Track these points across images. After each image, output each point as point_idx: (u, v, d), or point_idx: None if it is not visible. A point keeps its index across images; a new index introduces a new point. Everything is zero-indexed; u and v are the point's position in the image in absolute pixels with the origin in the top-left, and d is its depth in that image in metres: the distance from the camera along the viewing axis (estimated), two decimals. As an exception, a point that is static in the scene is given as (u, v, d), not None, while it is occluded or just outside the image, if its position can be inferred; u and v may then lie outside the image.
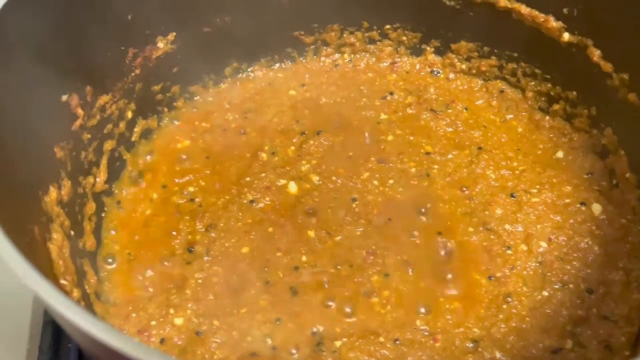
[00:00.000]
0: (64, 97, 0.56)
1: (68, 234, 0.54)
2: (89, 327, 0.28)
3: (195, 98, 0.75)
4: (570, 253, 0.59)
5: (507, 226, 0.62)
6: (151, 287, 0.58)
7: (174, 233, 0.62)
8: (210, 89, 0.76)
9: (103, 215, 0.63)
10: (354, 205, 0.64)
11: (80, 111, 0.58)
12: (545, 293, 0.56)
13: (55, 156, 0.55)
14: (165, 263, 0.60)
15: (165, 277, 0.59)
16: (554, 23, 0.66)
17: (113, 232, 0.62)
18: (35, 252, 0.43)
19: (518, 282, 0.58)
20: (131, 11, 0.62)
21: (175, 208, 0.65)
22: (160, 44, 0.68)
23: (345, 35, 0.79)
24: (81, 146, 0.60)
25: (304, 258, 0.60)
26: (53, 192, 0.53)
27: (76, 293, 0.49)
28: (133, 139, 0.69)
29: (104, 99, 0.63)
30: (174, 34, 0.69)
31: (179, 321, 0.55)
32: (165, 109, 0.72)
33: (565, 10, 0.64)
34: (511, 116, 0.73)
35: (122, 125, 0.67)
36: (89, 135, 0.61)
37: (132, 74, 0.66)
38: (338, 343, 0.54)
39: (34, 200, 0.49)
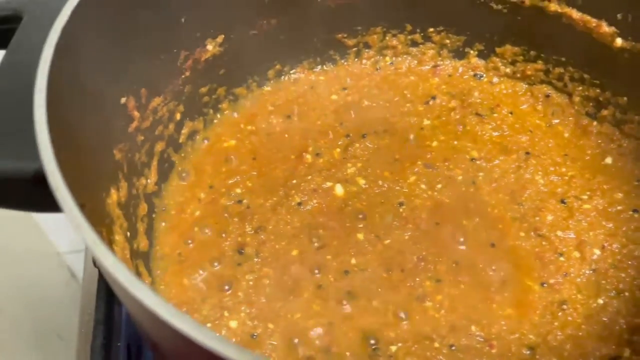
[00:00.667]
0: (123, 100, 0.56)
1: (126, 236, 0.55)
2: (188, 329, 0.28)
3: (240, 100, 0.75)
4: (625, 261, 0.59)
5: (558, 232, 0.61)
6: (204, 288, 0.59)
7: (224, 235, 0.63)
8: (254, 91, 0.76)
9: (154, 216, 0.64)
10: (401, 210, 0.64)
11: (136, 113, 0.59)
12: (600, 301, 0.56)
13: (115, 158, 0.55)
14: (216, 264, 0.60)
15: (217, 278, 0.60)
16: (606, 28, 0.65)
17: (164, 234, 0.63)
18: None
19: (572, 289, 0.57)
20: (185, 14, 0.62)
21: (224, 209, 0.65)
22: (209, 47, 0.68)
23: (387, 38, 0.78)
24: (135, 148, 0.60)
25: (353, 261, 0.60)
26: (114, 194, 0.53)
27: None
28: (180, 140, 0.69)
29: (156, 101, 0.63)
30: (223, 36, 0.69)
31: (233, 324, 0.56)
32: (211, 111, 0.73)
33: (619, 16, 0.64)
34: (557, 121, 0.73)
35: (171, 126, 0.67)
36: (143, 137, 0.62)
37: (182, 76, 0.67)
38: (394, 348, 0.54)
39: (99, 202, 0.49)
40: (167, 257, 0.61)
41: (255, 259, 0.60)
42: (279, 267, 0.60)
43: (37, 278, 1.18)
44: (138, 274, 0.56)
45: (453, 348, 0.54)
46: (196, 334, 0.27)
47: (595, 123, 0.71)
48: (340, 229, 0.63)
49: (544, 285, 0.58)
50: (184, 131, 0.69)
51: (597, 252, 0.59)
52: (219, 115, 0.73)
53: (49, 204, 0.39)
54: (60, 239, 1.23)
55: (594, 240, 0.60)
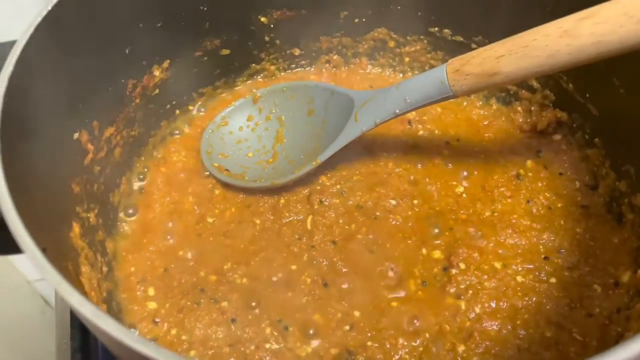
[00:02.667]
0: (76, 135, 0.58)
1: (93, 265, 0.57)
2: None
3: (190, 119, 0.78)
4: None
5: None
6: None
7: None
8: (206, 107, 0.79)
9: (117, 240, 0.66)
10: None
11: (90, 146, 0.61)
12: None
13: (73, 192, 0.57)
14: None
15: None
16: None
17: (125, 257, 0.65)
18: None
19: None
20: (128, 45, 0.65)
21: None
22: (156, 72, 0.71)
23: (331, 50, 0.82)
24: (93, 179, 0.62)
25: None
26: (76, 227, 0.55)
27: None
28: (138, 165, 0.71)
29: (109, 130, 0.65)
30: (169, 61, 0.71)
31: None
32: (169, 133, 0.75)
33: None
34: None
35: (127, 152, 0.69)
36: (99, 167, 0.64)
37: (133, 104, 0.69)
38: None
39: (62, 238, 0.52)
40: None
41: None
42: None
43: (11, 309, 1.17)
44: (109, 299, 0.59)
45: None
46: (158, 356, 0.30)
47: None
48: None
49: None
50: (142, 156, 0.72)
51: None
52: (174, 136, 0.76)
53: (11, 248, 0.42)
54: (29, 267, 1.23)
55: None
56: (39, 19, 0.51)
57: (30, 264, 1.09)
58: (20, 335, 1.13)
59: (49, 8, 0.53)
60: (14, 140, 0.44)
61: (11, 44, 0.50)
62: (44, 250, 0.35)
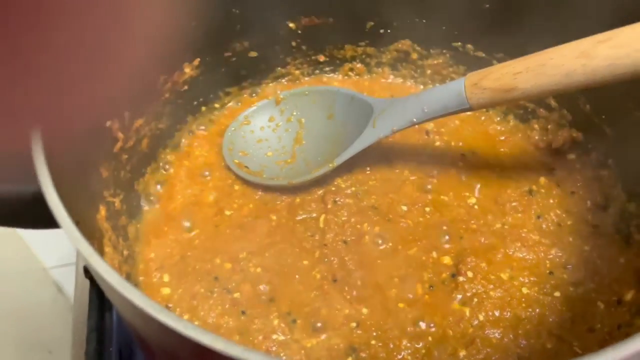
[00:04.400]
0: (108, 123, 0.62)
1: (115, 247, 0.60)
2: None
3: (214, 117, 0.81)
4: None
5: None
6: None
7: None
8: (228, 107, 0.82)
9: (138, 226, 0.68)
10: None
11: (120, 135, 0.64)
12: None
13: (102, 176, 0.60)
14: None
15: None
16: None
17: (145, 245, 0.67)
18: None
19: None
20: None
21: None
22: (187, 70, 0.74)
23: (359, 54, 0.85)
24: (120, 166, 0.66)
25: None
26: (102, 210, 0.58)
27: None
28: (163, 156, 0.75)
29: (139, 122, 0.68)
30: (199, 59, 0.75)
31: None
32: (194, 128, 0.78)
33: None
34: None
35: (153, 144, 0.72)
36: (127, 156, 0.67)
37: (162, 98, 0.72)
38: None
39: (90, 218, 0.55)
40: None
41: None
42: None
43: (24, 294, 1.21)
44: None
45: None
46: (180, 327, 0.32)
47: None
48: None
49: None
50: (167, 149, 0.75)
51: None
52: (195, 129, 0.79)
53: (45, 222, 0.44)
54: (47, 254, 1.26)
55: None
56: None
57: (48, 250, 1.13)
58: (30, 320, 1.16)
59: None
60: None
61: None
62: (77, 223, 0.38)
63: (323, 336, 0.58)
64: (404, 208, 0.69)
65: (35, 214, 0.48)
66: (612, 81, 0.51)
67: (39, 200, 0.42)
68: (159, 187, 0.72)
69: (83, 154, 0.56)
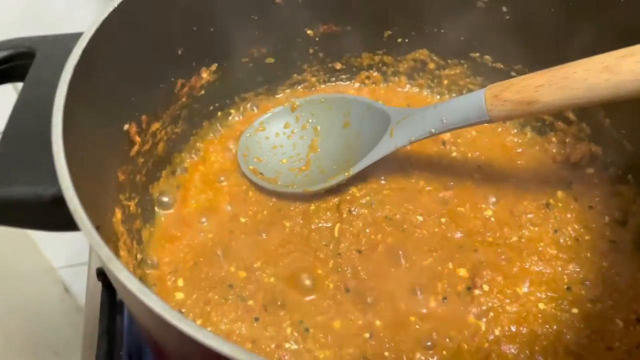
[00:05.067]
0: (126, 127, 0.62)
1: (129, 250, 0.60)
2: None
3: (230, 122, 0.81)
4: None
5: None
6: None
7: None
8: (245, 112, 0.82)
9: (152, 230, 0.68)
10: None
11: (137, 138, 0.64)
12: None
13: (119, 180, 0.60)
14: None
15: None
16: None
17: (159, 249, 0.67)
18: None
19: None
20: (181, 46, 0.68)
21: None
22: (204, 74, 0.74)
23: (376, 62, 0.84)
24: (137, 170, 0.66)
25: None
26: (118, 213, 0.58)
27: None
28: (178, 160, 0.75)
29: (155, 125, 0.68)
30: (216, 64, 0.75)
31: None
32: (210, 133, 0.78)
33: None
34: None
35: (169, 148, 0.72)
36: (143, 159, 0.67)
37: (179, 102, 0.72)
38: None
39: (107, 222, 0.55)
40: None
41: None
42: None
43: (32, 294, 1.21)
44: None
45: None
46: (200, 336, 0.32)
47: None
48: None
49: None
50: (183, 153, 0.75)
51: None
52: (210, 134, 0.79)
53: (63, 224, 0.44)
54: (55, 254, 1.27)
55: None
56: (103, 17, 0.55)
57: (57, 250, 1.13)
58: (37, 320, 1.16)
59: (115, 6, 0.56)
60: (73, 125, 0.47)
61: (76, 35, 0.54)
62: (97, 227, 0.38)
63: (335, 346, 0.58)
64: (420, 218, 0.68)
65: (53, 217, 0.48)
66: (636, 96, 0.50)
67: (59, 203, 0.42)
68: (173, 191, 0.72)
69: (101, 158, 0.56)
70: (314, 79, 0.84)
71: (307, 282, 0.62)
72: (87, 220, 0.38)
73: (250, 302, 0.61)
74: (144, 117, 0.65)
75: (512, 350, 0.57)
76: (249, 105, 0.82)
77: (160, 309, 0.33)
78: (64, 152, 0.43)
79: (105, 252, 0.37)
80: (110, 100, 0.57)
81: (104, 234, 0.46)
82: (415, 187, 0.72)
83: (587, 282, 0.61)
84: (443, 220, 0.68)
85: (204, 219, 0.69)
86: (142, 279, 0.62)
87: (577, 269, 0.63)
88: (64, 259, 1.28)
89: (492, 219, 0.68)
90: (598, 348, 0.56)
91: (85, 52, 0.52)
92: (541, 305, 0.60)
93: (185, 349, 0.37)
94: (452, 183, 0.72)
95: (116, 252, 0.55)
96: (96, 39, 0.54)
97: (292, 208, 0.70)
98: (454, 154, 0.76)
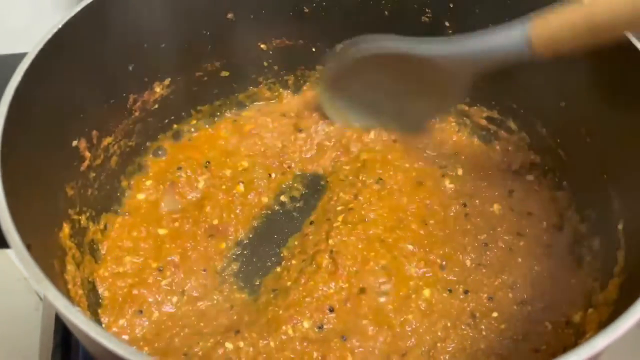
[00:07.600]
0: (74, 143, 0.63)
1: (79, 264, 0.61)
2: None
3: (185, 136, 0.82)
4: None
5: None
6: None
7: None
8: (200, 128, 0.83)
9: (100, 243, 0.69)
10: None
11: (87, 153, 0.65)
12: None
13: (67, 195, 0.62)
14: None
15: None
16: None
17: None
18: (57, 284, 0.49)
19: None
20: (132, 62, 0.70)
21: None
22: (157, 89, 0.75)
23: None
24: (88, 184, 0.67)
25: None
26: (66, 228, 0.60)
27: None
28: (131, 173, 0.76)
29: (107, 140, 0.70)
30: (169, 79, 0.76)
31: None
32: (163, 145, 0.80)
33: None
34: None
35: (122, 162, 0.74)
36: (94, 174, 0.68)
37: (132, 117, 0.73)
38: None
39: (51, 237, 0.56)
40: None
41: None
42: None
43: (6, 304, 1.20)
44: (91, 298, 0.63)
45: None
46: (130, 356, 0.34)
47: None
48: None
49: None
50: (134, 166, 0.76)
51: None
52: (165, 150, 0.80)
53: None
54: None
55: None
56: (49, 36, 0.56)
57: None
58: (11, 330, 1.15)
59: (60, 26, 0.58)
60: (15, 143, 0.49)
61: (22, 55, 0.55)
62: (28, 246, 0.40)
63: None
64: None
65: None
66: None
67: (-5, 222, 0.43)
68: (126, 204, 0.73)
69: (46, 175, 0.57)
70: (269, 93, 0.86)
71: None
72: (17, 238, 0.40)
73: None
74: (94, 132, 0.67)
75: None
76: (205, 117, 0.83)
77: (85, 326, 0.35)
78: (0, 169, 0.44)
79: (34, 272, 0.38)
80: (56, 118, 0.58)
81: (45, 250, 0.48)
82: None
83: (517, 285, 0.64)
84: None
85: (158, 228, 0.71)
86: (91, 291, 0.63)
87: (505, 277, 0.65)
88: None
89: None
90: (523, 350, 0.58)
91: (27, 73, 0.53)
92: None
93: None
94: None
95: (62, 266, 0.56)
96: (40, 58, 0.55)
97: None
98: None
